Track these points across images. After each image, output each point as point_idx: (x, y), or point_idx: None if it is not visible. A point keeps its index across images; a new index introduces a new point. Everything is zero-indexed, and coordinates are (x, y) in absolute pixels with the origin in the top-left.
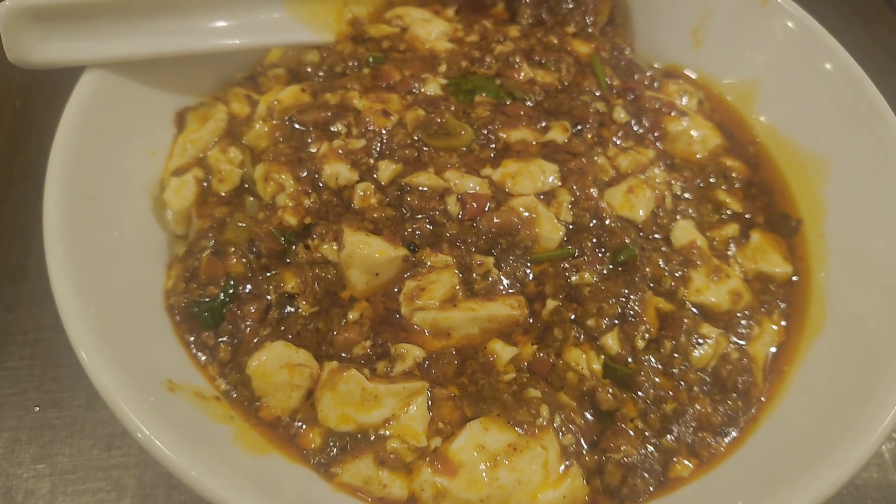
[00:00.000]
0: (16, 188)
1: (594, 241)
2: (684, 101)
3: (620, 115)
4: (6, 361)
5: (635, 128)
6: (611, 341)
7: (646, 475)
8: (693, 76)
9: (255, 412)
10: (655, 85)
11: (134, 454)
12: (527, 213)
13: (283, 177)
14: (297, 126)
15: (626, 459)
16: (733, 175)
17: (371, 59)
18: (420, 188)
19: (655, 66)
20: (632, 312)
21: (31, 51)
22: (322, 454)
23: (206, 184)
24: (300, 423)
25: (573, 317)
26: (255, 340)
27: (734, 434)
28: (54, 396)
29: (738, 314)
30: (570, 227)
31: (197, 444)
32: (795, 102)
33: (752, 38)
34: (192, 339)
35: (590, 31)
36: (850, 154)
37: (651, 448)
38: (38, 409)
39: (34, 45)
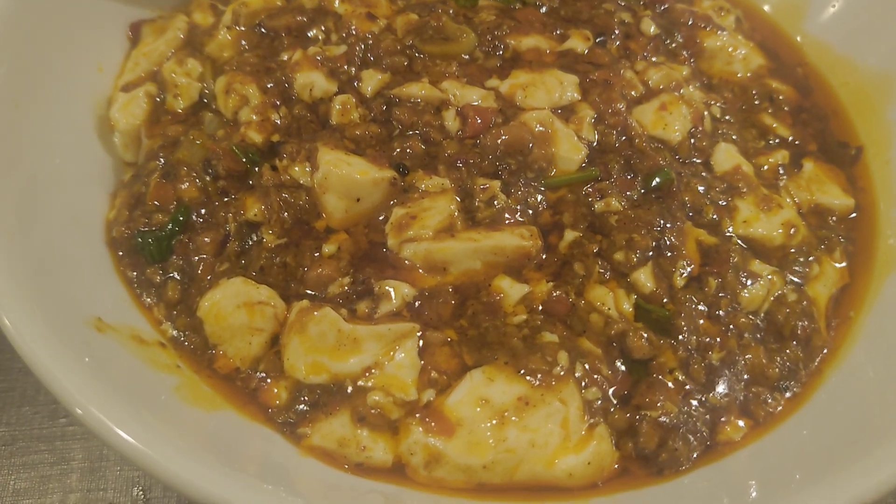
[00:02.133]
0: None
1: (622, 163)
2: (722, 13)
3: (649, 27)
4: None
5: (666, 42)
6: (643, 277)
7: (689, 437)
8: None
9: (208, 362)
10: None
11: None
12: (541, 129)
13: (248, 88)
14: (265, 31)
15: (664, 418)
16: (780, 98)
17: None
18: (412, 100)
19: None
20: (668, 245)
21: None
22: (289, 412)
23: (159, 99)
24: (262, 375)
25: (597, 250)
26: (210, 277)
27: (795, 390)
28: None
29: (794, 250)
30: (594, 146)
31: (129, 398)
32: (852, 15)
33: None
34: (134, 275)
35: None
36: None
37: (695, 404)
38: None
39: None
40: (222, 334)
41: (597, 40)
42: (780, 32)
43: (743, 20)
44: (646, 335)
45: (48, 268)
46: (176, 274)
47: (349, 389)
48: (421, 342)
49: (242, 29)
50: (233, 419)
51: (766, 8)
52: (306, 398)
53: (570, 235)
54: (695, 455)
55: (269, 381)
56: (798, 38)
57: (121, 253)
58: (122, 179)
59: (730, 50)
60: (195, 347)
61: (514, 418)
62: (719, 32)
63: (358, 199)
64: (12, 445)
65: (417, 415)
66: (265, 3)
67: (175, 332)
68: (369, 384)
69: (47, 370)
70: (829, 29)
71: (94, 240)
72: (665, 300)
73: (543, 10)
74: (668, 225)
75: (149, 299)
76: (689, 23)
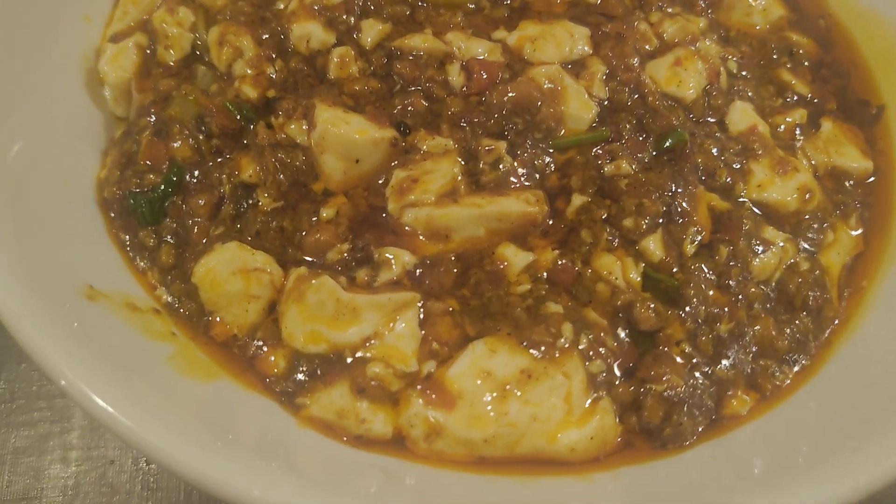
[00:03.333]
0: None
1: (634, 122)
2: None
3: None
4: None
5: None
6: (653, 245)
7: (694, 412)
8: None
9: (204, 329)
10: None
11: None
12: (550, 85)
13: (242, 40)
14: None
15: (669, 392)
16: (800, 52)
17: None
18: (414, 53)
19: None
20: (679, 210)
21: None
22: (287, 381)
23: (150, 51)
24: (260, 343)
25: (606, 216)
26: (205, 241)
27: (803, 362)
28: None
29: (808, 216)
30: (605, 104)
31: (118, 369)
32: None
33: None
34: (126, 238)
35: None
36: None
37: (701, 378)
38: None
39: None
40: (218, 301)
41: None
42: None
43: None
44: (653, 306)
45: (37, 231)
46: (170, 237)
47: (348, 360)
48: (422, 312)
49: None
50: (229, 389)
51: None
52: (305, 368)
53: (577, 200)
54: (699, 429)
55: (266, 349)
56: None
57: (113, 214)
58: (113, 136)
59: (749, 1)
60: (191, 314)
61: (516, 392)
62: None
63: (357, 161)
64: (11, 403)
65: (418, 386)
66: None
67: (170, 298)
68: (369, 355)
69: (28, 338)
70: None
71: (85, 200)
72: (675, 269)
73: None
74: (679, 189)
75: (142, 263)
76: None
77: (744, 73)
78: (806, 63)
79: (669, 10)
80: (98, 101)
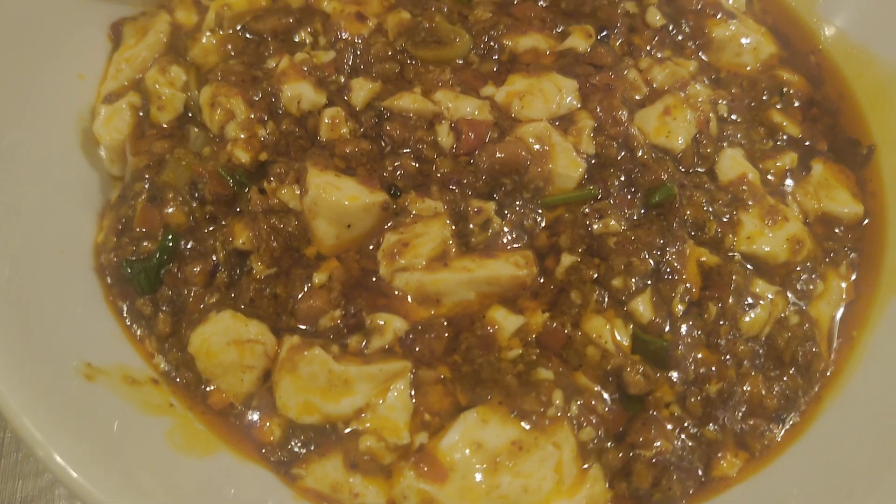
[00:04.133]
0: None
1: (622, 178)
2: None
3: (655, 17)
4: None
5: (673, 33)
6: (642, 307)
7: (684, 476)
8: None
9: (202, 398)
10: None
11: None
12: (538, 147)
13: (234, 101)
14: (250, 36)
15: (659, 458)
16: (790, 92)
17: None
18: (403, 114)
19: None
20: (668, 269)
21: None
22: (283, 450)
23: (143, 113)
24: (256, 411)
25: (595, 276)
26: (201, 308)
27: (793, 420)
28: None
29: (798, 267)
30: (593, 160)
31: (119, 455)
32: (871, 2)
33: None
34: (124, 306)
35: None
36: None
37: (690, 441)
38: None
39: None
40: (214, 370)
41: (599, 37)
42: (793, 14)
43: (756, 0)
44: (642, 369)
45: (34, 303)
46: (166, 306)
47: (341, 431)
48: (413, 382)
49: (226, 33)
50: (227, 461)
51: None
52: (299, 438)
53: (567, 260)
54: (689, 492)
55: (262, 417)
56: (812, 21)
57: (109, 280)
58: (109, 199)
59: (740, 40)
60: (188, 383)
61: (507, 463)
62: (729, 21)
63: (349, 226)
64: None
65: (411, 459)
66: (249, 4)
67: (167, 367)
68: (361, 427)
69: (23, 427)
70: (846, 15)
71: (82, 266)
72: (664, 329)
73: (542, 3)
74: (669, 247)
75: (140, 331)
76: (699, 6)
77: (734, 116)
78: (796, 102)
79: (659, 55)
80: (94, 161)
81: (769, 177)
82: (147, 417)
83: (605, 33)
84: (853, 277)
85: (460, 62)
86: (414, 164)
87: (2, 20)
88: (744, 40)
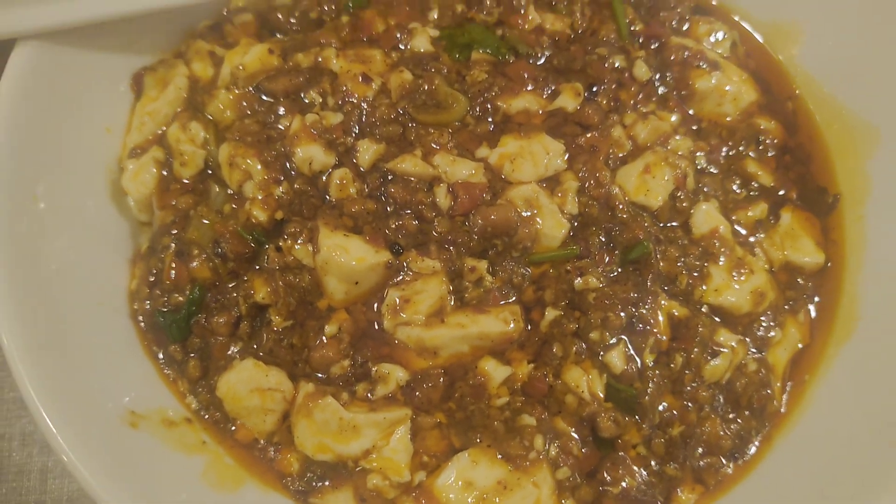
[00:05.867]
0: None
1: (602, 238)
2: (719, 36)
3: (642, 70)
4: None
5: (657, 85)
6: (616, 359)
7: None
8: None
9: (230, 434)
10: (685, 28)
11: None
12: (527, 213)
13: (250, 161)
14: (264, 98)
15: (625, 493)
16: (766, 141)
17: (350, 4)
18: (405, 177)
19: None
20: (641, 324)
21: None
22: (301, 481)
23: (166, 172)
24: (277, 446)
25: (575, 328)
26: (228, 353)
27: (746, 458)
28: None
29: (762, 317)
30: (576, 222)
31: (164, 496)
32: (843, 53)
33: None
34: (160, 354)
35: None
36: None
37: (653, 477)
38: None
39: None
40: (240, 412)
41: (587, 94)
42: (773, 59)
43: (739, 44)
44: (614, 415)
45: (79, 357)
46: (195, 353)
47: (352, 469)
48: (413, 427)
49: (241, 91)
50: (254, 495)
51: (761, 30)
52: (316, 472)
53: (550, 315)
54: None
55: (282, 451)
56: (794, 66)
57: (143, 324)
58: (139, 245)
59: (723, 88)
60: (217, 420)
61: (494, 500)
62: (712, 73)
63: (356, 283)
64: None
65: (412, 494)
66: (262, 64)
67: (197, 406)
68: (369, 466)
69: (83, 478)
70: (820, 63)
71: (118, 313)
72: (635, 378)
73: (540, 60)
74: (642, 302)
75: (172, 373)
76: (685, 57)
77: (711, 168)
78: (771, 152)
79: (644, 109)
80: (123, 210)
81: (739, 228)
82: (184, 457)
83: (594, 89)
84: (812, 315)
85: (458, 124)
86: (415, 222)
87: (34, 80)
88: (727, 87)
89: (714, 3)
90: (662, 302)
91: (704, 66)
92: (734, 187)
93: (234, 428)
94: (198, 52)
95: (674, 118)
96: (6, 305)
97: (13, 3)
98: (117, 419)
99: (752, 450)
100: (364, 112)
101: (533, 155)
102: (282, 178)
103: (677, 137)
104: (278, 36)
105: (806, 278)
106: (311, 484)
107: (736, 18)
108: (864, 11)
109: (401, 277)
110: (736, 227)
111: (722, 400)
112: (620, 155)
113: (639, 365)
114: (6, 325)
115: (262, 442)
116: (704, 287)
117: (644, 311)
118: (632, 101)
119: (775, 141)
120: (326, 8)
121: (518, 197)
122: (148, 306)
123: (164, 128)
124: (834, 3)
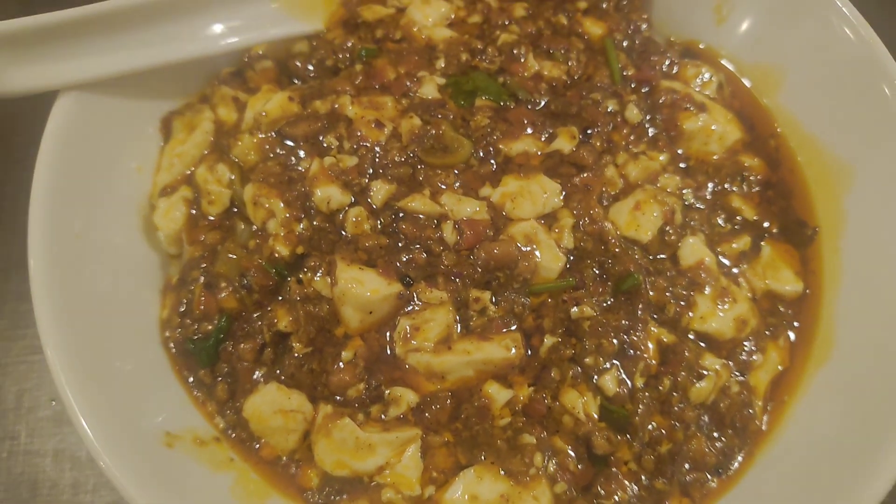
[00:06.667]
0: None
1: (596, 270)
2: (706, 76)
3: (633, 112)
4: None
5: (648, 127)
6: (609, 382)
7: None
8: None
9: (255, 451)
10: (674, 71)
11: None
12: (527, 248)
13: (273, 201)
14: (286, 142)
15: None
16: (751, 178)
17: (363, 53)
18: (415, 214)
19: (672, 39)
20: (632, 350)
21: (3, 80)
22: (321, 495)
23: (194, 210)
24: (299, 462)
25: (572, 354)
26: (254, 377)
27: (729, 473)
28: None
29: (745, 342)
30: (572, 255)
31: None
32: (822, 97)
33: (780, 17)
34: (190, 378)
35: (603, 6)
36: (878, 163)
37: (643, 492)
38: (54, 402)
39: (6, 73)
40: (264, 431)
41: (582, 136)
42: (757, 101)
43: (725, 85)
44: (607, 434)
45: (118, 382)
46: (222, 377)
47: (367, 484)
48: (423, 445)
49: (266, 136)
50: None
51: (746, 73)
52: (335, 487)
53: (549, 341)
54: None
55: (304, 467)
56: (777, 106)
57: (174, 350)
58: (168, 276)
59: (710, 128)
60: (243, 439)
61: None
62: (699, 114)
63: (371, 312)
64: None
65: None
66: (283, 110)
67: (224, 425)
68: (383, 481)
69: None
70: (800, 105)
71: (151, 341)
72: (627, 400)
73: (540, 103)
74: (632, 329)
75: (201, 396)
76: (674, 99)
77: (698, 204)
78: (755, 187)
79: (635, 150)
80: (153, 244)
81: (724, 259)
82: (214, 473)
83: (588, 132)
84: (792, 339)
85: (463, 165)
86: (424, 256)
87: (75, 127)
88: (713, 127)
89: (702, 46)
90: (652, 329)
91: (692, 108)
92: (719, 221)
93: (258, 446)
94: (222, 97)
95: (663, 157)
96: (54, 336)
97: (58, 57)
98: (154, 439)
99: (736, 465)
100: (377, 155)
101: (532, 194)
102: (302, 216)
103: (666, 175)
104: (297, 82)
105: (786, 306)
106: (330, 497)
107: (723, 62)
108: (839, 59)
109: (411, 307)
110: (721, 258)
111: (707, 419)
112: (613, 193)
113: (630, 388)
114: (55, 356)
115: (284, 459)
116: (691, 315)
117: (635, 338)
118: (624, 143)
119: (759, 177)
120: (341, 56)
121: (518, 233)
122: (179, 334)
123: (192, 168)
124: (812, 52)
